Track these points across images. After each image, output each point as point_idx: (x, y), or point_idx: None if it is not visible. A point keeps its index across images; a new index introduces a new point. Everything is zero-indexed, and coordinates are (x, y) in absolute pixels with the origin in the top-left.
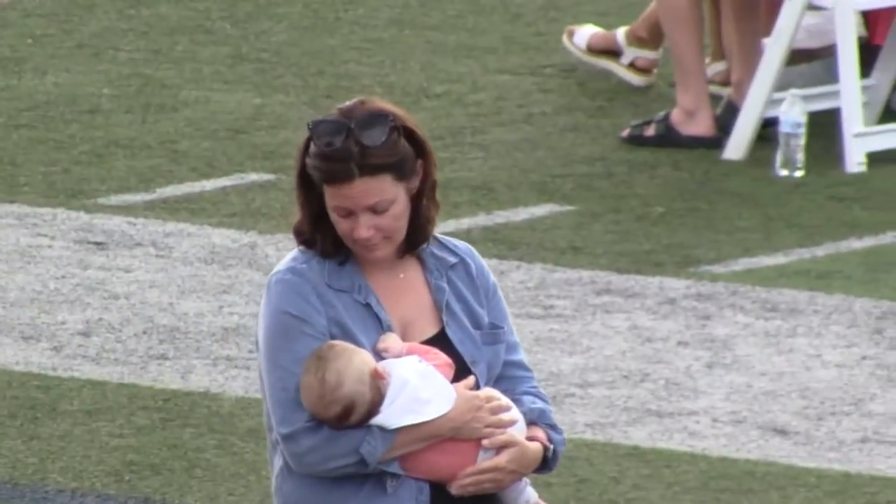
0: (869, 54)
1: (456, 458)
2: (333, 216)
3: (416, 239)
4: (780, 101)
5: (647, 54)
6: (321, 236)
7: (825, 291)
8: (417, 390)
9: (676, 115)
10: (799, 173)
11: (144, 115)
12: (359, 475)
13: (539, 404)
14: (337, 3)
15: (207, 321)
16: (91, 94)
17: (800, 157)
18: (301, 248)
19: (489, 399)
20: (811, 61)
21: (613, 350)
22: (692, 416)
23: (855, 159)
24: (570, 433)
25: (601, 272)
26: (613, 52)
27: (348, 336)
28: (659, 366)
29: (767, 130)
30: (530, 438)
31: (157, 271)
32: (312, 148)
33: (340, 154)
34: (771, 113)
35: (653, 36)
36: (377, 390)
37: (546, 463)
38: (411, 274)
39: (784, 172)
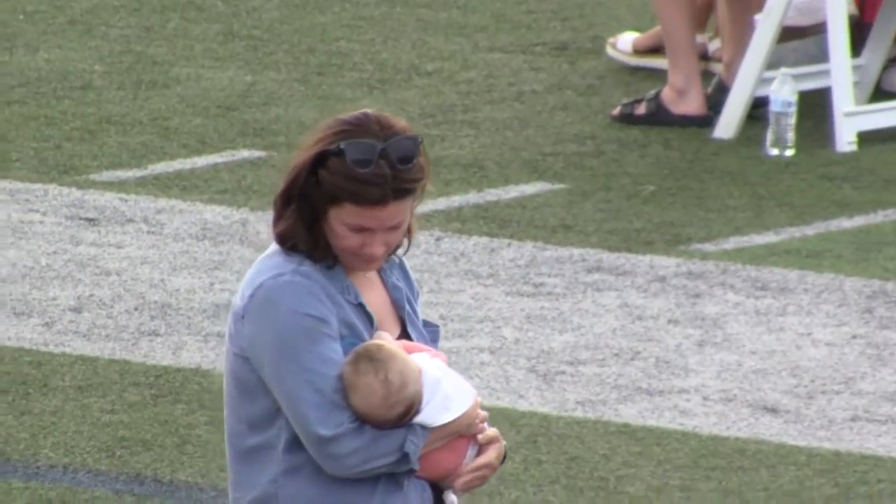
0: (860, 33)
1: (455, 455)
2: (341, 230)
3: (397, 248)
4: (770, 80)
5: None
6: (314, 243)
7: (815, 270)
8: (447, 388)
9: (667, 94)
10: (789, 152)
11: (136, 92)
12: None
13: None
14: None
15: (199, 297)
16: (83, 70)
17: (790, 136)
18: (285, 251)
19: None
20: (800, 38)
21: (604, 328)
22: (683, 394)
23: (845, 139)
24: (561, 411)
25: (592, 250)
26: (660, 49)
27: (357, 337)
28: (649, 344)
29: (758, 110)
30: None
31: (148, 248)
32: (339, 167)
33: (378, 179)
34: (761, 92)
35: (699, 21)
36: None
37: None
38: (371, 273)
39: (774, 151)
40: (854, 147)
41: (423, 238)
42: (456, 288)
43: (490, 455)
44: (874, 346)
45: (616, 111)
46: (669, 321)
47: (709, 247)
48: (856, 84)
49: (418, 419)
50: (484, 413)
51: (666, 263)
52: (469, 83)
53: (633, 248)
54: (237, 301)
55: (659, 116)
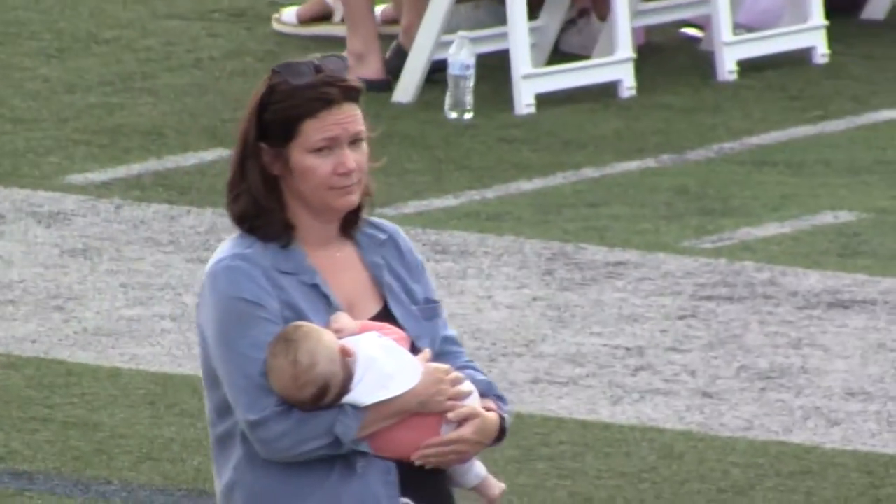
0: None
1: (421, 432)
2: (311, 160)
3: (358, 211)
4: (448, 44)
5: None
6: (267, 219)
7: (495, 233)
8: (385, 366)
9: None
10: (468, 115)
11: None
12: (326, 459)
13: (482, 376)
14: None
15: None
16: None
17: (469, 99)
18: (240, 234)
19: (447, 371)
20: (476, 1)
21: None
22: None
23: (524, 101)
24: None
25: None
26: (324, 17)
27: (302, 318)
28: None
29: (437, 74)
30: (485, 409)
31: None
32: (285, 92)
33: (323, 83)
34: (440, 56)
35: None
36: (347, 368)
37: (502, 433)
38: (347, 252)
39: (453, 115)
40: (532, 109)
41: (102, 206)
42: (136, 256)
43: (464, 431)
44: (555, 308)
45: None
46: None
47: (389, 211)
48: (534, 46)
49: (348, 399)
50: (457, 390)
51: None
52: (147, 51)
53: None
54: None
55: None
